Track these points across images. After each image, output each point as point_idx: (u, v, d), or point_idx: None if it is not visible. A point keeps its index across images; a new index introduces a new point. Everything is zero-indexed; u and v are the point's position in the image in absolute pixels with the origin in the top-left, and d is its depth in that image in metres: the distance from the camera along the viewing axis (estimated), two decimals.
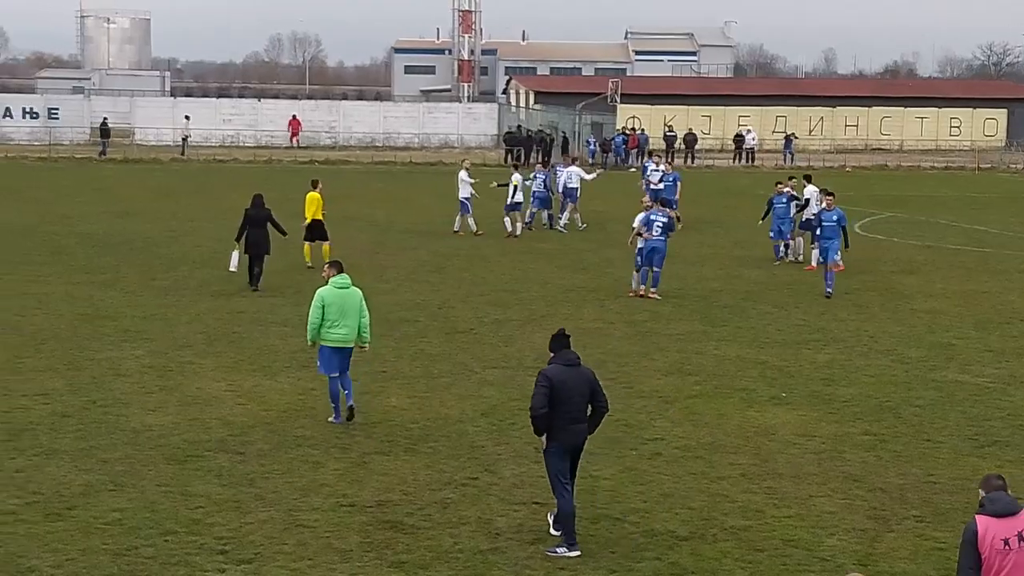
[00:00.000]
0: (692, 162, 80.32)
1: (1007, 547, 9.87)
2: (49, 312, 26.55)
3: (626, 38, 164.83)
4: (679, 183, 43.63)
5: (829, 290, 29.77)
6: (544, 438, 13.88)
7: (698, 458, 17.18)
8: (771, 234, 35.93)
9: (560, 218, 42.97)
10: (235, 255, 29.99)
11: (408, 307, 27.80)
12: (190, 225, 42.28)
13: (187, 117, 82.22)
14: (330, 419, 18.60)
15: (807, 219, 35.03)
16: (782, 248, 35.75)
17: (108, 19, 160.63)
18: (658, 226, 29.38)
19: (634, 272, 30.09)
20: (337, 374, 18.61)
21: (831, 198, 31.50)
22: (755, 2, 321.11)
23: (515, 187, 40.71)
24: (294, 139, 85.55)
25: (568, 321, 26.64)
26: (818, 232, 30.88)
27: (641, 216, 29.93)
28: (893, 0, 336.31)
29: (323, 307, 18.50)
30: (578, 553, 13.70)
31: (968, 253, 38.70)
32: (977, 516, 10.06)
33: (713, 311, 28.25)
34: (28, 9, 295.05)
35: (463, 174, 41.19)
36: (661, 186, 42.23)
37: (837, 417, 19.44)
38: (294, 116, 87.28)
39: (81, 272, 32.06)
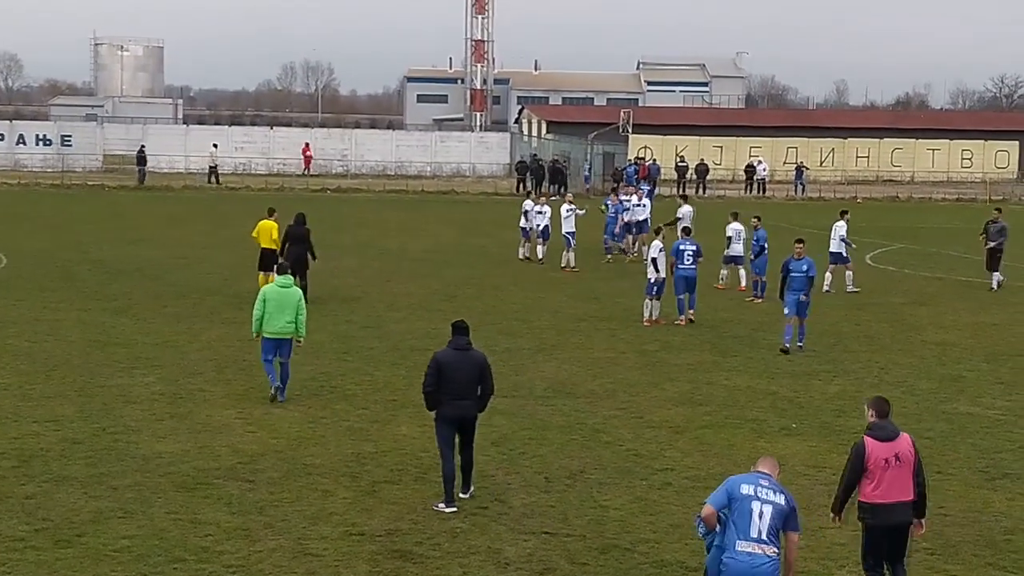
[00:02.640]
0: (704, 192, 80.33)
1: (887, 464, 12.44)
2: (60, 339, 26.61)
3: (638, 68, 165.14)
4: (620, 215, 42.96)
5: (800, 343, 27.03)
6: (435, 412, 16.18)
7: (708, 488, 17.00)
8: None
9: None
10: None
11: (419, 336, 27.81)
12: (202, 252, 42.38)
13: (215, 145, 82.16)
14: (271, 391, 21.43)
15: (733, 255, 36.32)
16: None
17: (122, 47, 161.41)
18: (688, 255, 30.40)
19: (647, 300, 30.14)
20: (272, 357, 21.48)
21: (801, 246, 27.49)
22: (767, 33, 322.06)
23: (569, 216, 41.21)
24: (307, 168, 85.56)
25: (579, 351, 26.69)
26: (786, 283, 27.13)
27: (671, 247, 30.67)
28: (905, 32, 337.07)
29: (264, 302, 21.45)
30: (454, 509, 15.85)
31: (979, 285, 38.63)
32: (866, 437, 12.57)
33: (724, 341, 28.23)
34: (42, 37, 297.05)
35: (566, 207, 41.24)
36: (642, 218, 42.68)
37: (847, 448, 19.24)
38: (307, 144, 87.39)
39: (92, 299, 32.12)
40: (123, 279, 35.71)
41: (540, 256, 41.59)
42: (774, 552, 11.13)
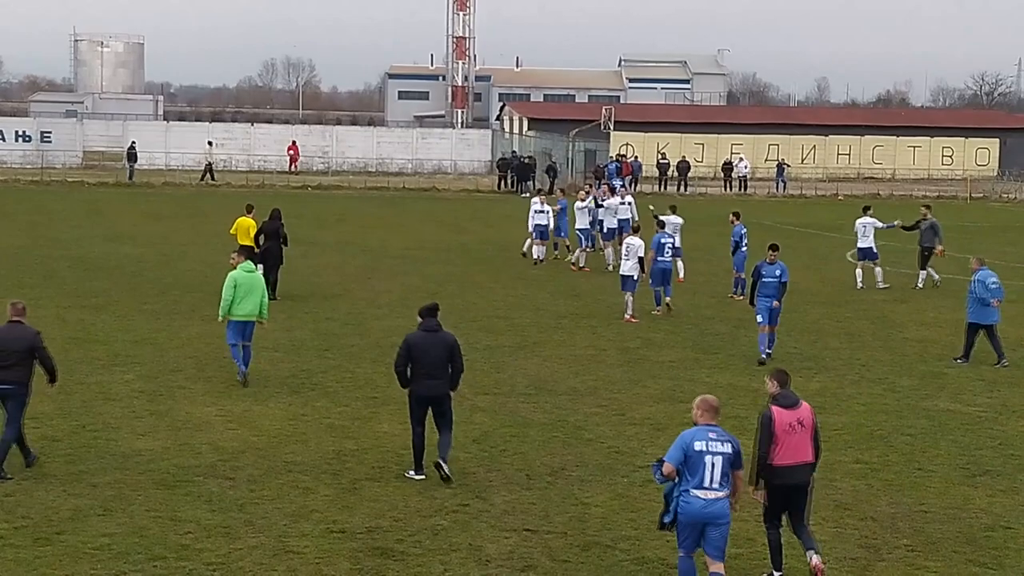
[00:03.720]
0: (685, 190, 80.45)
1: (791, 429, 13.56)
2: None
3: (620, 65, 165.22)
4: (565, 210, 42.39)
5: (768, 350, 25.85)
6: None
7: None
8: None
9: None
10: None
11: (401, 332, 27.44)
12: (182, 249, 42.27)
13: (210, 143, 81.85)
14: (239, 377, 22.42)
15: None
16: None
17: (102, 43, 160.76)
18: (668, 248, 31.41)
19: (628, 296, 30.17)
20: (239, 343, 22.49)
21: (774, 253, 26.22)
22: (748, 31, 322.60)
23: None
24: (293, 165, 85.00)
25: (561, 348, 26.68)
26: (756, 288, 26.06)
27: (652, 240, 31.24)
28: (886, 30, 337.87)
29: (235, 287, 22.52)
30: (423, 477, 16.91)
31: (960, 282, 38.66)
32: (771, 406, 13.68)
33: (705, 338, 28.26)
34: (22, 33, 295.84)
35: (616, 200, 40.79)
36: (626, 217, 40.78)
37: (828, 445, 19.35)
38: (293, 142, 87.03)
39: (72, 296, 32.01)
40: (103, 276, 35.59)
41: (537, 256, 40.82)
42: (725, 493, 12.82)
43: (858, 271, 36.84)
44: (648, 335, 28.42)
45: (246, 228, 32.71)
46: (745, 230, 34.91)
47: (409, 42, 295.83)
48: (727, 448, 12.81)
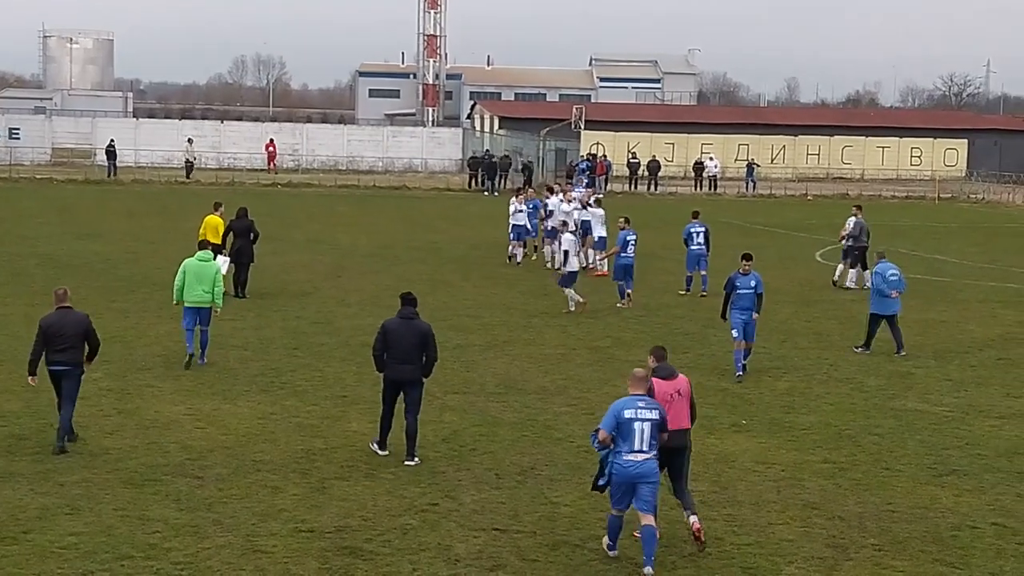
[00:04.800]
0: (656, 189, 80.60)
1: (671, 398, 14.83)
2: (8, 334, 26.37)
3: (591, 64, 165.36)
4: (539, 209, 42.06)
5: (740, 372, 24.28)
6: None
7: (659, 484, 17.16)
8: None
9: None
10: (225, 261, 30.37)
11: (369, 332, 27.44)
12: (151, 247, 42.10)
13: (190, 140, 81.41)
14: (187, 358, 23.51)
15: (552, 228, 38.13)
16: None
17: (71, 39, 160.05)
18: (631, 244, 32.45)
19: (567, 291, 31.13)
20: (193, 328, 23.61)
21: (748, 263, 24.98)
22: (719, 30, 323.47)
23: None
24: (271, 164, 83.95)
25: (531, 347, 26.70)
26: (730, 301, 24.82)
27: (618, 237, 32.62)
28: (856, 30, 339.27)
29: (183, 273, 23.85)
30: (386, 453, 17.89)
31: (927, 282, 38.93)
32: (653, 379, 14.86)
33: (675, 338, 28.30)
34: None
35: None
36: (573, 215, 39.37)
37: (797, 445, 19.51)
38: (271, 140, 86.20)
39: (40, 294, 31.74)
40: (71, 274, 35.39)
41: (519, 258, 40.47)
42: (653, 454, 14.15)
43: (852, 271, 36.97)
44: (618, 334, 28.47)
45: (214, 226, 32.61)
46: (695, 229, 34.96)
47: (380, 40, 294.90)
48: (654, 415, 14.16)
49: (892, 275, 26.98)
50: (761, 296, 24.78)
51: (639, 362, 25.20)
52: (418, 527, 15.21)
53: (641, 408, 14.15)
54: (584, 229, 38.57)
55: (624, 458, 14.04)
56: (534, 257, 41.57)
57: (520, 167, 76.39)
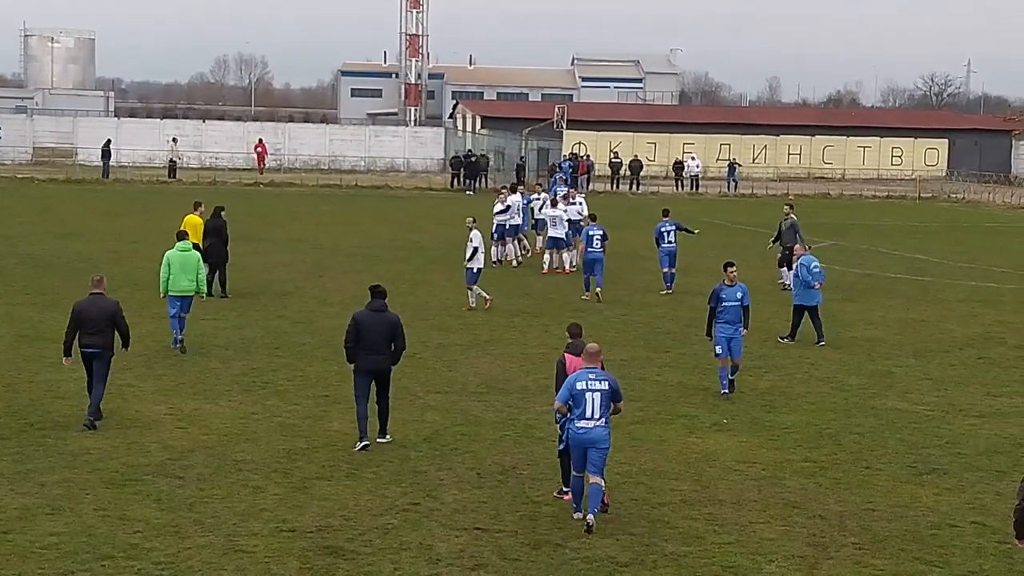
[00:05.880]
0: (637, 189, 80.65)
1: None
2: None
3: (573, 64, 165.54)
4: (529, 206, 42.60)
5: (726, 390, 22.57)
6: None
7: (639, 484, 17.23)
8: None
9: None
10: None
11: None
12: (132, 246, 42.00)
13: (174, 140, 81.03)
14: (174, 345, 24.89)
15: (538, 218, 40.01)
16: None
17: (52, 38, 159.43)
18: (596, 240, 33.38)
19: (468, 289, 31.44)
20: (177, 314, 24.90)
21: (733, 270, 23.14)
22: (701, 30, 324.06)
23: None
24: (261, 164, 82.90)
25: (513, 346, 26.72)
26: (718, 313, 22.82)
27: (582, 233, 33.88)
28: (837, 30, 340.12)
29: (168, 265, 25.03)
30: (367, 443, 18.28)
31: (908, 282, 39.07)
32: (565, 353, 16.49)
33: (656, 337, 28.36)
34: None
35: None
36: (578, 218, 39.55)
37: (777, 444, 19.56)
38: (260, 140, 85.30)
39: (21, 293, 31.75)
40: (52, 273, 35.32)
41: (496, 258, 39.82)
42: (604, 422, 15.47)
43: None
44: (599, 334, 28.44)
45: (193, 226, 32.54)
46: (666, 228, 35.18)
47: (362, 39, 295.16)
48: (604, 385, 15.51)
49: (815, 267, 27.82)
50: (748, 309, 22.96)
51: (621, 361, 25.33)
52: (399, 526, 15.21)
53: (592, 380, 15.48)
54: (574, 229, 38.90)
55: (576, 424, 15.40)
56: (531, 255, 41.61)
57: (500, 167, 76.36)
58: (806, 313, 27.95)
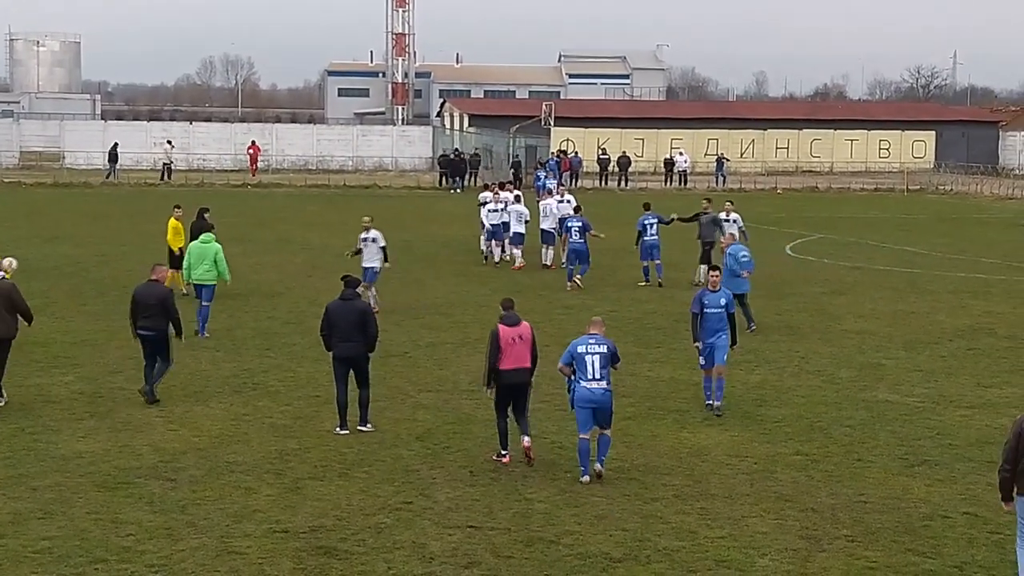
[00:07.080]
0: (626, 185, 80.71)
1: (513, 342, 17.72)
2: None
3: (560, 61, 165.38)
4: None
5: (717, 402, 21.07)
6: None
7: (632, 480, 17.25)
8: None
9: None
10: None
11: None
12: (121, 250, 41.96)
13: (169, 143, 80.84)
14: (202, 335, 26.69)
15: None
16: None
17: (38, 42, 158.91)
18: (575, 231, 35.17)
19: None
20: (200, 302, 27.15)
21: (716, 273, 22.09)
22: (687, 26, 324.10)
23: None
24: (254, 167, 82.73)
25: None
26: (701, 321, 21.20)
27: (563, 224, 35.80)
28: (823, 23, 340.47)
29: (190, 255, 27.78)
30: (347, 432, 19.13)
31: (897, 274, 39.13)
32: (498, 324, 17.82)
33: (647, 333, 28.38)
34: None
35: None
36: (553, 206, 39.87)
37: (769, 437, 19.58)
38: (253, 142, 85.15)
39: None
40: (41, 277, 35.25)
41: (497, 258, 39.98)
42: (606, 384, 17.20)
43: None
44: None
45: (173, 228, 32.60)
46: (648, 221, 35.64)
47: (349, 39, 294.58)
48: (603, 348, 17.23)
49: (743, 256, 28.00)
50: (733, 316, 21.44)
51: None
52: (392, 525, 15.21)
53: (591, 344, 17.29)
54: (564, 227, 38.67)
55: (582, 385, 17.14)
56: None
57: (489, 165, 76.36)
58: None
